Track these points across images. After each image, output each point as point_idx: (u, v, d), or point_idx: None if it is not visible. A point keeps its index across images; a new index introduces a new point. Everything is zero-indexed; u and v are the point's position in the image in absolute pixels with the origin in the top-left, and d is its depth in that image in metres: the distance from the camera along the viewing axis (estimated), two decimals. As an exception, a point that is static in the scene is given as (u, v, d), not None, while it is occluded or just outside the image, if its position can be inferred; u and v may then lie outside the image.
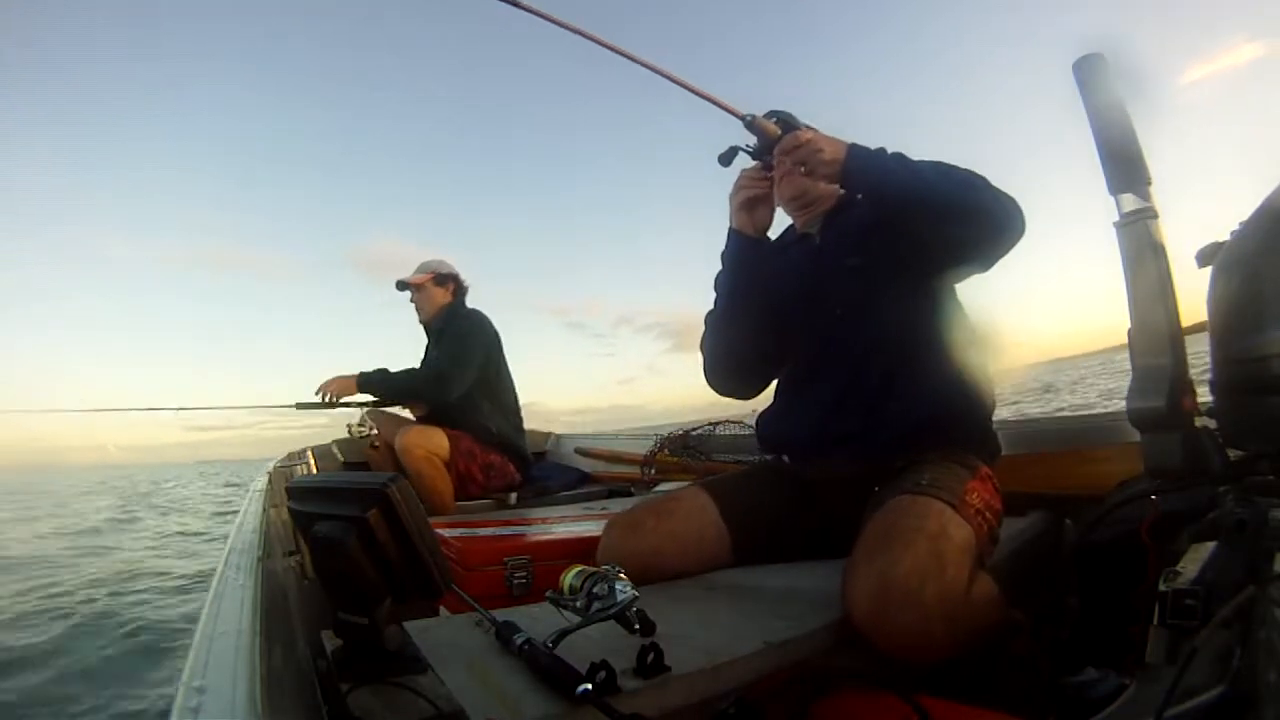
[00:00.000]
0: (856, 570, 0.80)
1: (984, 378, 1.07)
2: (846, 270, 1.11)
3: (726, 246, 1.13)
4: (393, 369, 2.32)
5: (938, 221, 0.96)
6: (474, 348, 2.24)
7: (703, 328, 1.21)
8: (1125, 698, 0.53)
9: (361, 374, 2.23)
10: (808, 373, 1.16)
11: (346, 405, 2.26)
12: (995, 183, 0.97)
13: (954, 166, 0.97)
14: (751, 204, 1.10)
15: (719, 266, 1.16)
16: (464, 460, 2.12)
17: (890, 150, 0.99)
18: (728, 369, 1.20)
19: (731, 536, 1.05)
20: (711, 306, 1.18)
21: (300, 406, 2.26)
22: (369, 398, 2.26)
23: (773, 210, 1.13)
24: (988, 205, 0.93)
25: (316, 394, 2.22)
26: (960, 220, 0.94)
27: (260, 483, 1.76)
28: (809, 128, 1.02)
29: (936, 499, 0.87)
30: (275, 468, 2.08)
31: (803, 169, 0.99)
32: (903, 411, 1.03)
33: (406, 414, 2.34)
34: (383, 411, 2.35)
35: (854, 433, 1.05)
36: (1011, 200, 0.94)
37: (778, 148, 0.99)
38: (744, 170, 1.10)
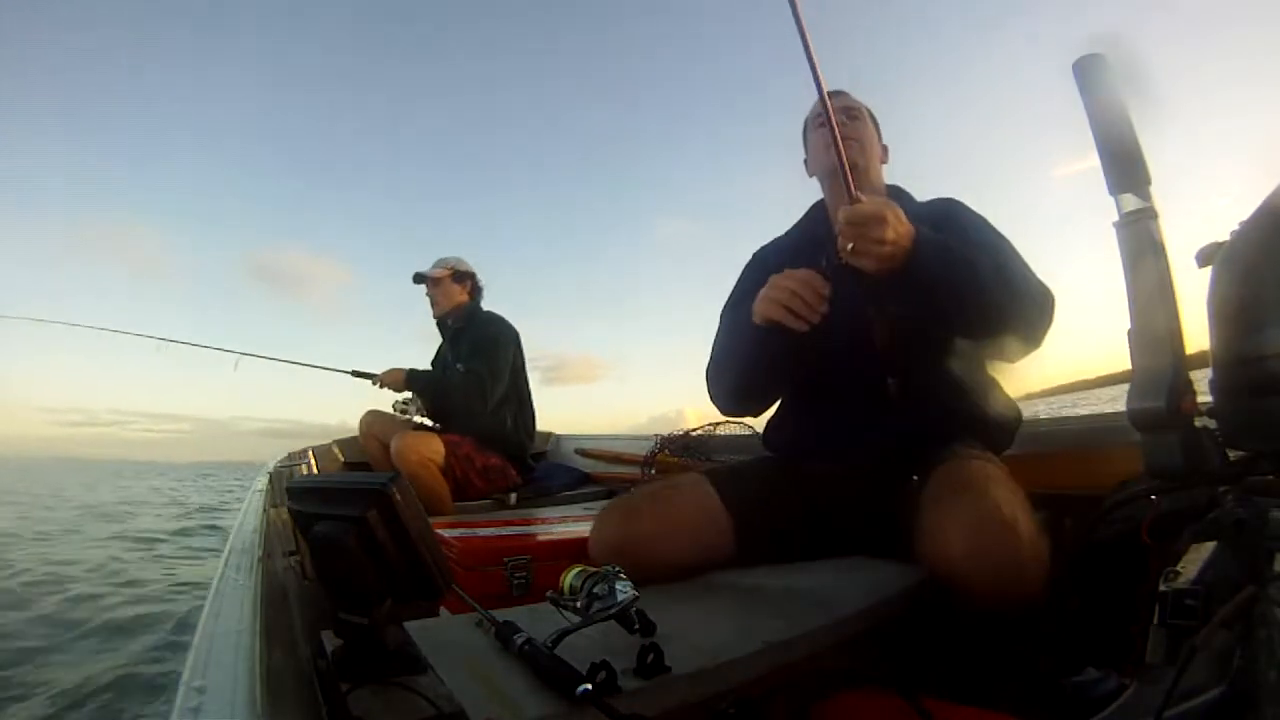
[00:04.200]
0: (942, 514, 0.82)
1: (999, 383, 1.09)
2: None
3: (744, 328, 1.03)
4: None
5: (969, 331, 0.98)
6: (506, 356, 2.30)
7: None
8: (1125, 698, 0.53)
9: (411, 370, 2.39)
10: (823, 378, 1.14)
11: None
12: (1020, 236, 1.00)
13: (1001, 276, 0.93)
14: (775, 320, 0.95)
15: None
16: (461, 465, 2.13)
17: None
18: (744, 402, 1.19)
19: (733, 527, 1.03)
20: (721, 360, 1.16)
21: (355, 374, 2.49)
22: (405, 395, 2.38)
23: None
24: (1025, 324, 0.95)
25: (374, 381, 2.43)
26: (991, 335, 0.97)
27: (260, 482, 1.76)
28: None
29: (989, 463, 0.92)
30: (275, 468, 2.08)
31: (850, 247, 0.87)
32: (921, 411, 1.04)
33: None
34: (381, 413, 2.37)
35: (871, 432, 1.06)
36: (1048, 304, 0.97)
37: (850, 214, 0.87)
38: (810, 289, 0.92)
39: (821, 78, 0.88)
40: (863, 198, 0.89)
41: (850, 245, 0.87)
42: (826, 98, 0.90)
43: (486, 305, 2.50)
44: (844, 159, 0.91)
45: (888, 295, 0.97)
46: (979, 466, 0.90)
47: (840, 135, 1.07)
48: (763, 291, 0.97)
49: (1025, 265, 1.02)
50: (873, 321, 1.05)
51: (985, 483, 0.84)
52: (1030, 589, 0.77)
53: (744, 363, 1.11)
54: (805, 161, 1.26)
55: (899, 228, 0.86)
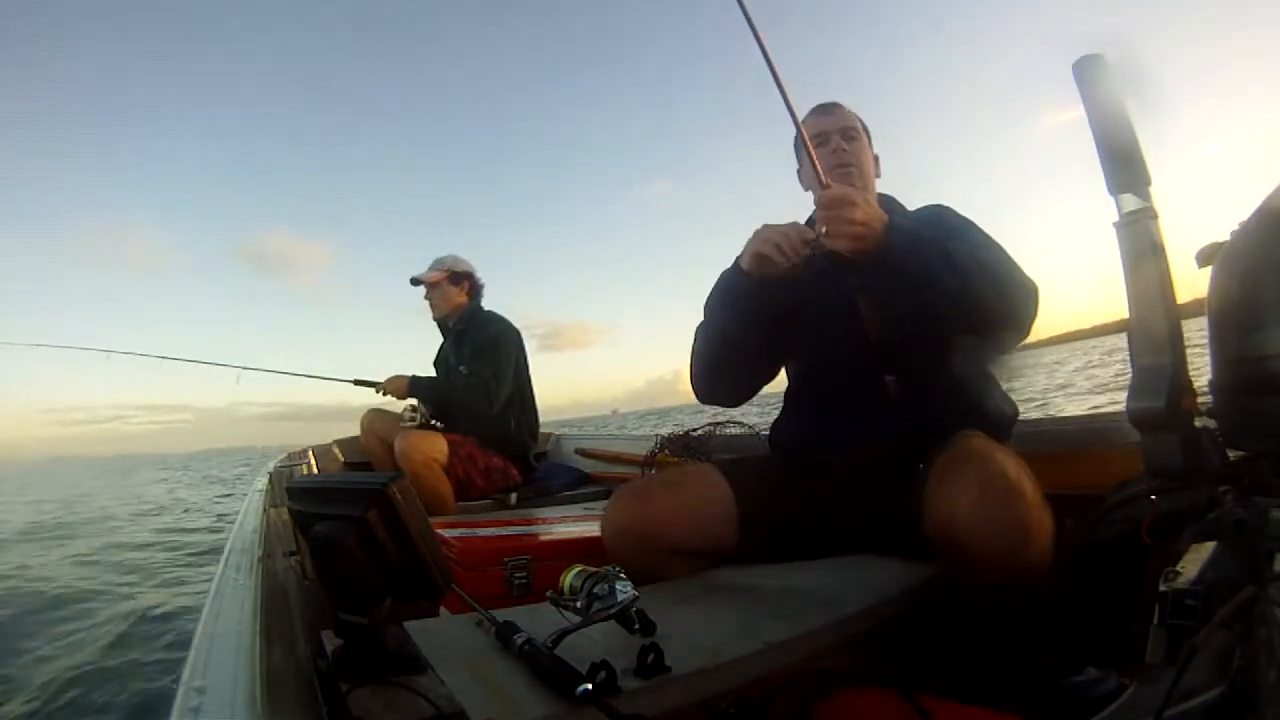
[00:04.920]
0: (949, 476, 0.84)
1: (995, 378, 1.11)
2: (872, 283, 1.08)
3: (732, 280, 1.07)
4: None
5: (954, 320, 0.99)
6: (509, 356, 2.29)
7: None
8: (1125, 698, 0.53)
9: (414, 377, 2.37)
10: (822, 378, 1.15)
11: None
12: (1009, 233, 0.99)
13: (981, 265, 0.95)
14: (769, 264, 0.97)
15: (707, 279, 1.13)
16: (464, 465, 2.13)
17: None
18: (725, 383, 1.19)
19: (740, 517, 1.04)
20: (707, 325, 1.15)
21: (357, 383, 2.49)
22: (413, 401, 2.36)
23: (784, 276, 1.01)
24: (1009, 316, 0.97)
25: (377, 390, 2.41)
26: (976, 325, 0.98)
27: (260, 482, 1.76)
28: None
29: (991, 439, 0.95)
30: (276, 467, 2.08)
31: (825, 230, 0.91)
32: (920, 408, 1.05)
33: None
34: (382, 411, 2.37)
35: (872, 431, 1.06)
36: (1031, 295, 0.98)
37: (822, 198, 0.92)
38: (795, 233, 0.96)
39: (795, 110, 0.93)
40: (833, 184, 0.95)
41: (825, 228, 0.91)
42: (802, 125, 0.97)
43: (489, 292, 2.49)
44: (808, 140, 0.98)
45: (867, 277, 1.04)
46: (982, 441, 0.93)
47: (839, 161, 1.13)
48: (753, 234, 1.01)
49: (1009, 258, 1.03)
50: (863, 314, 1.08)
51: (989, 451, 0.87)
52: (1036, 555, 0.78)
53: (730, 328, 1.10)
54: (798, 173, 1.27)
55: (868, 210, 0.91)
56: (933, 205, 1.21)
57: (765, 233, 0.99)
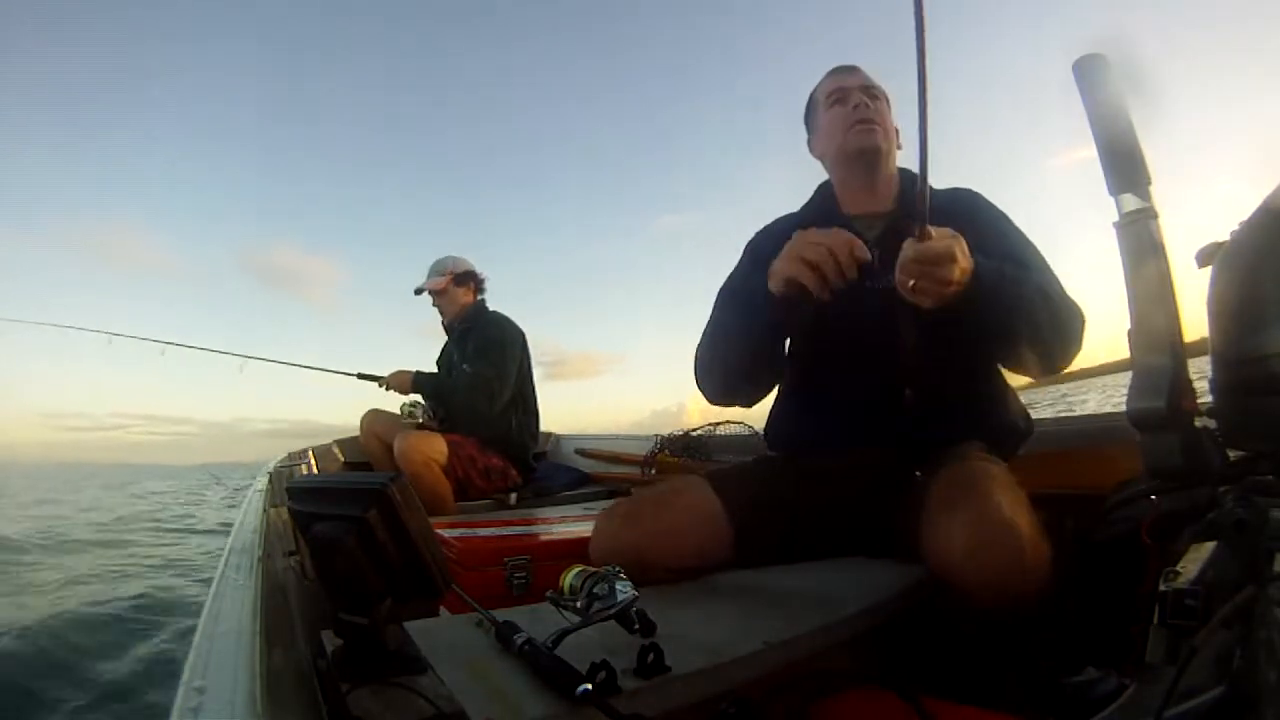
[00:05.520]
0: (945, 513, 0.82)
1: (1014, 392, 1.10)
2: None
3: (753, 297, 0.97)
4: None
5: (1005, 351, 0.98)
6: (512, 357, 2.29)
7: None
8: (1125, 698, 0.53)
9: (418, 373, 2.39)
10: (838, 382, 1.12)
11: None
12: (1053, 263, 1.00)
13: (1047, 302, 0.92)
14: (804, 289, 0.85)
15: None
16: (464, 466, 2.13)
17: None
18: (739, 393, 1.14)
19: (733, 529, 1.02)
20: (717, 336, 1.10)
21: (361, 376, 2.51)
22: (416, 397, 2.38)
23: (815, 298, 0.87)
24: (1062, 349, 0.95)
25: (380, 384, 2.43)
26: (1034, 359, 0.97)
27: (260, 483, 1.76)
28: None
29: (992, 464, 0.93)
30: (275, 468, 2.08)
31: (911, 284, 0.80)
32: (933, 417, 1.03)
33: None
34: (382, 412, 2.37)
35: (880, 434, 1.05)
36: (1081, 327, 0.96)
37: (920, 252, 0.79)
38: (842, 249, 0.82)
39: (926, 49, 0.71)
40: (933, 231, 0.80)
41: (912, 282, 0.81)
42: (818, 86, 0.94)
43: (492, 304, 2.50)
44: (926, 186, 0.77)
45: (940, 324, 0.91)
46: (982, 468, 0.91)
47: (861, 117, 1.06)
48: (787, 247, 0.87)
49: (1057, 280, 1.00)
50: (903, 335, 1.02)
51: (989, 484, 0.85)
52: (1031, 591, 0.77)
53: (744, 343, 1.03)
54: (809, 141, 1.21)
55: (964, 264, 0.81)
56: (963, 189, 1.15)
57: (802, 249, 0.85)
